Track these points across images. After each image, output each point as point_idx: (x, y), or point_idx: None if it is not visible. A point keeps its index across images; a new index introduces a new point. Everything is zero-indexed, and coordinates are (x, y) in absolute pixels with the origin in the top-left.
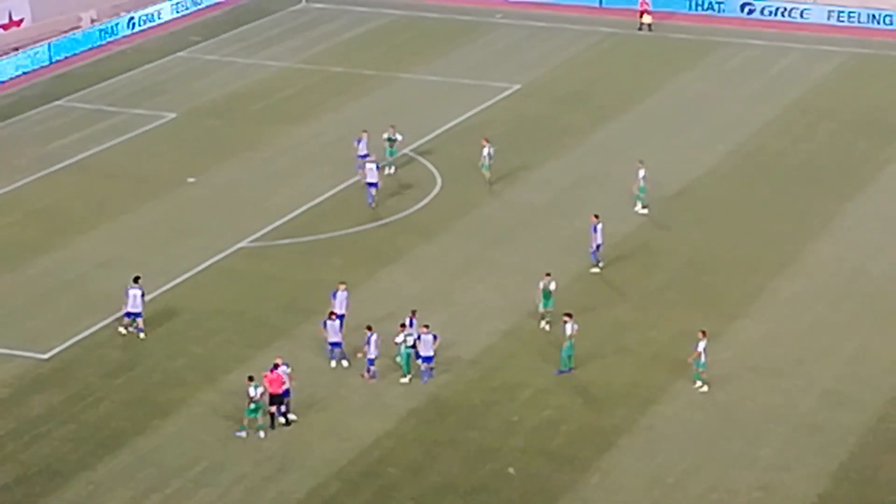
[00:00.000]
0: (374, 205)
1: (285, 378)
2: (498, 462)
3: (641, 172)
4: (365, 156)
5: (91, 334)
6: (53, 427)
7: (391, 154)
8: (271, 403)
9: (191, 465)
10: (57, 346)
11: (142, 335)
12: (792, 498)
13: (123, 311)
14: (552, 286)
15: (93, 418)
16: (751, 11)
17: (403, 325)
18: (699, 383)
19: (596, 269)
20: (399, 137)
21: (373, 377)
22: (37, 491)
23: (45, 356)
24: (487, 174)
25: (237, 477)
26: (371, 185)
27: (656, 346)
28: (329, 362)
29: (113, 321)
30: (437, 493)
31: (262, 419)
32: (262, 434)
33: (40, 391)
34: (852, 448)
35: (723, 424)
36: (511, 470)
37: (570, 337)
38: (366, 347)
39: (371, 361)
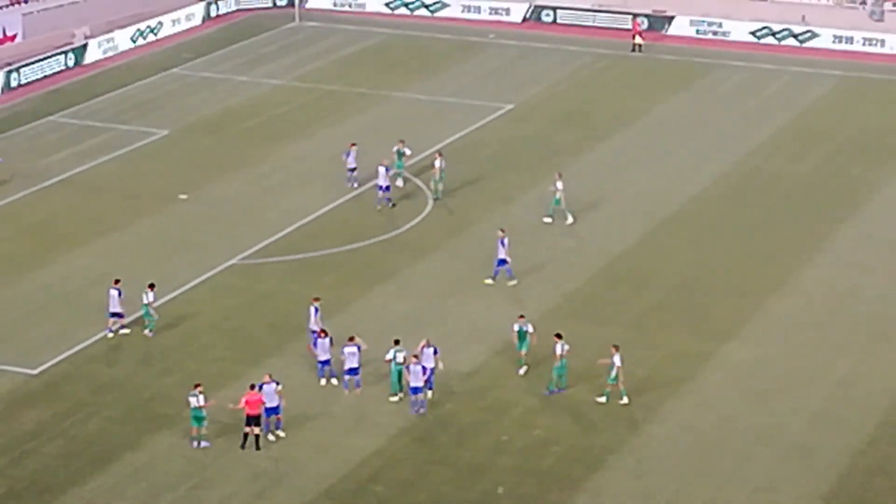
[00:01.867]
0: (380, 208)
1: (271, 396)
2: (488, 481)
3: (559, 184)
4: (353, 169)
5: (82, 349)
6: (43, 442)
7: (399, 168)
8: (248, 424)
9: (181, 482)
10: (47, 362)
11: (125, 331)
12: None
13: (107, 313)
14: (528, 328)
15: (83, 434)
16: (754, 34)
17: (397, 342)
18: (603, 398)
19: (512, 283)
20: (408, 151)
21: (356, 387)
22: None
23: (35, 371)
24: (440, 187)
25: (227, 494)
26: (381, 188)
27: (647, 366)
28: (319, 380)
29: (103, 336)
30: None
31: (205, 430)
32: (203, 444)
33: (30, 407)
34: (842, 470)
35: (713, 445)
36: (501, 489)
37: (561, 357)
38: (342, 357)
39: (355, 371)
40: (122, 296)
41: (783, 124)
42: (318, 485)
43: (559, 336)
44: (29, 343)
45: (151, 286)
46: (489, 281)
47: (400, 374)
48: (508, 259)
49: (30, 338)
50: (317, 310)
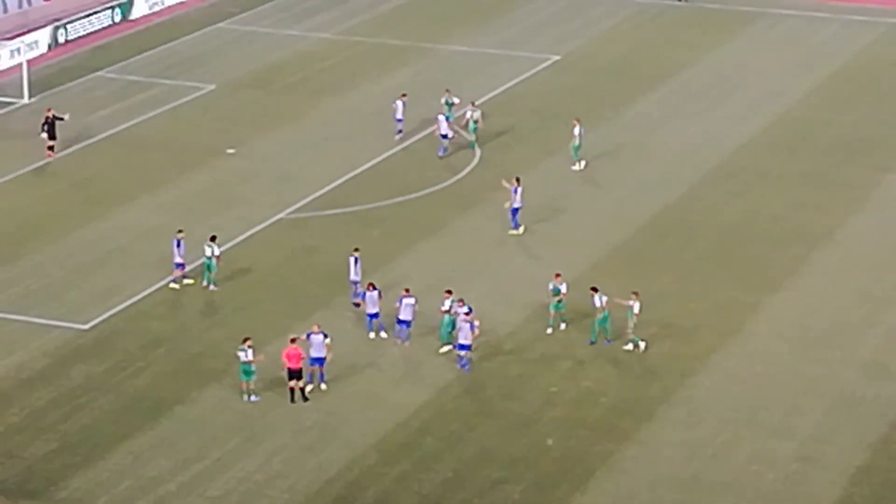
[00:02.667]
0: (447, 154)
1: (319, 347)
2: (536, 433)
3: (577, 130)
4: (401, 120)
5: (132, 304)
6: (94, 397)
7: (449, 118)
8: (290, 378)
9: (231, 436)
10: (98, 317)
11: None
12: (831, 469)
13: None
14: (563, 287)
15: (133, 388)
16: None
17: (449, 292)
18: (630, 345)
19: (516, 231)
20: (456, 100)
21: (405, 340)
22: (77, 461)
23: (86, 326)
24: (472, 137)
25: (277, 447)
26: (443, 136)
27: (696, 317)
28: (368, 333)
29: (154, 291)
30: (475, 463)
31: (253, 384)
32: (253, 398)
33: (81, 361)
34: (892, 420)
35: (762, 396)
36: (550, 441)
37: (603, 308)
38: (362, 301)
39: (407, 324)
40: (182, 246)
41: (831, 73)
42: (366, 438)
43: (595, 289)
44: (79, 299)
45: (213, 238)
46: (513, 231)
47: (453, 324)
48: (521, 206)
49: (80, 293)
50: (357, 260)
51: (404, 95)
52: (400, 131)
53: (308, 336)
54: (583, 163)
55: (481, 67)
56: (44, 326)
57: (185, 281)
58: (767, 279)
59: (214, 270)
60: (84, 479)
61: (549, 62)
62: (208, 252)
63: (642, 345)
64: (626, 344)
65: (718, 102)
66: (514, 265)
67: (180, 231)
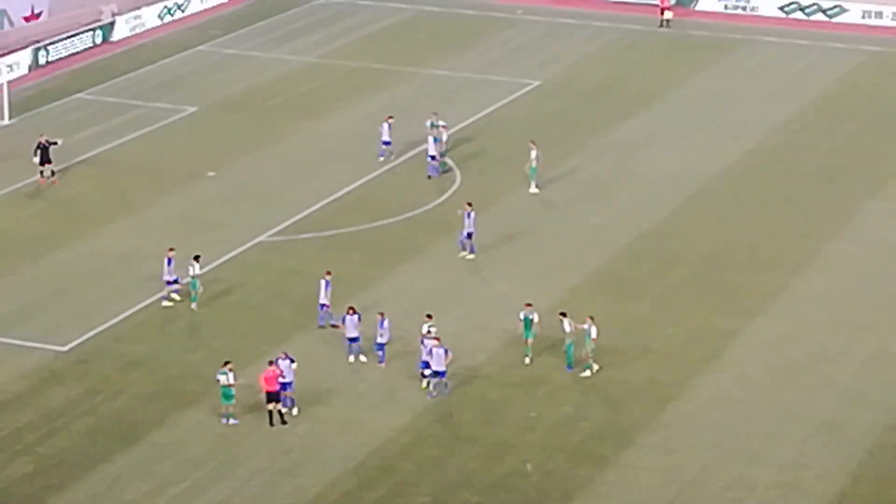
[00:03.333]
0: (437, 175)
1: (285, 372)
2: (516, 458)
3: (534, 153)
4: (387, 142)
5: (110, 327)
6: (72, 419)
7: (436, 140)
8: (268, 401)
9: (208, 459)
10: (76, 339)
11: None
12: (810, 496)
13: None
14: (533, 316)
15: (111, 411)
16: (783, 8)
17: (430, 316)
18: (587, 372)
19: (470, 256)
20: (442, 123)
21: (380, 362)
22: (55, 483)
23: (65, 348)
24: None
25: (254, 470)
26: (432, 157)
27: (675, 343)
28: (347, 357)
29: (133, 313)
30: (454, 488)
31: (232, 407)
32: (231, 421)
33: (59, 384)
34: (870, 447)
35: (741, 422)
36: (529, 466)
37: (571, 334)
38: (341, 325)
39: (381, 346)
40: (173, 264)
41: (811, 100)
42: (345, 462)
43: (563, 315)
44: (58, 320)
45: (197, 258)
46: (468, 256)
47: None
48: (474, 232)
49: (59, 315)
50: (328, 283)
51: (390, 118)
52: (384, 153)
53: (276, 361)
54: (537, 187)
55: (462, 91)
56: (21, 348)
57: (173, 296)
58: (746, 305)
59: (198, 290)
60: (61, 502)
61: (529, 87)
62: (191, 272)
63: (595, 367)
64: (584, 371)
65: (698, 129)
66: (494, 289)
67: (171, 249)
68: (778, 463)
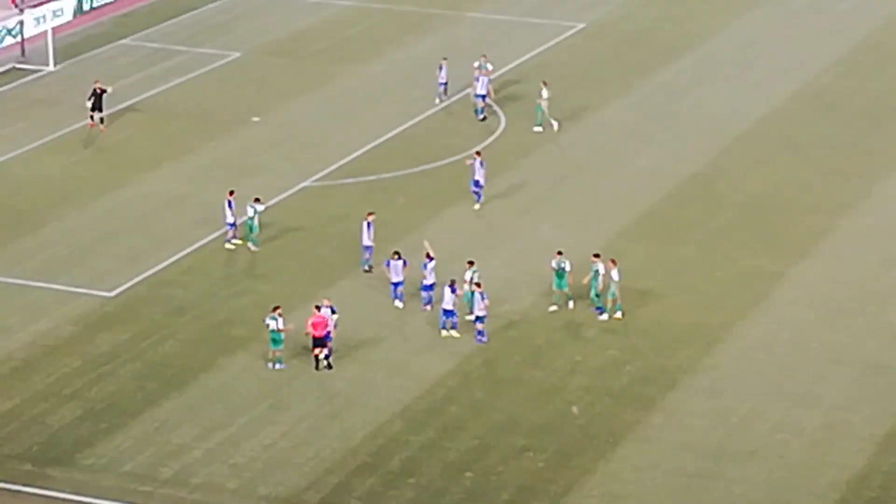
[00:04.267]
0: (482, 117)
1: (329, 321)
2: (562, 401)
3: (545, 93)
4: (444, 83)
5: (157, 272)
6: (119, 365)
7: (487, 80)
8: (314, 346)
9: (256, 403)
10: (123, 284)
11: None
12: (856, 437)
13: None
14: (565, 265)
15: (158, 356)
16: None
17: (471, 262)
18: (607, 314)
19: (476, 206)
20: (490, 66)
21: (425, 304)
22: (103, 427)
23: (111, 294)
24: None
25: (302, 414)
26: (479, 97)
27: (721, 285)
28: (392, 301)
29: (179, 258)
30: (501, 432)
31: (280, 352)
32: (279, 366)
33: (106, 329)
34: None
35: (787, 364)
36: (575, 409)
37: (603, 277)
38: (387, 269)
39: (427, 288)
40: (234, 206)
41: (859, 41)
42: (392, 405)
43: (597, 256)
44: (104, 266)
45: (257, 199)
46: (474, 206)
47: (473, 293)
48: (482, 182)
49: (105, 261)
50: (370, 225)
51: (445, 59)
52: (440, 94)
53: (320, 308)
54: (544, 127)
55: (507, 35)
56: (69, 294)
57: (235, 241)
58: (792, 247)
59: (256, 231)
60: (109, 446)
61: (574, 30)
62: (250, 212)
63: (604, 316)
64: (615, 313)
65: (743, 71)
66: (540, 231)
67: (231, 192)
68: (825, 405)
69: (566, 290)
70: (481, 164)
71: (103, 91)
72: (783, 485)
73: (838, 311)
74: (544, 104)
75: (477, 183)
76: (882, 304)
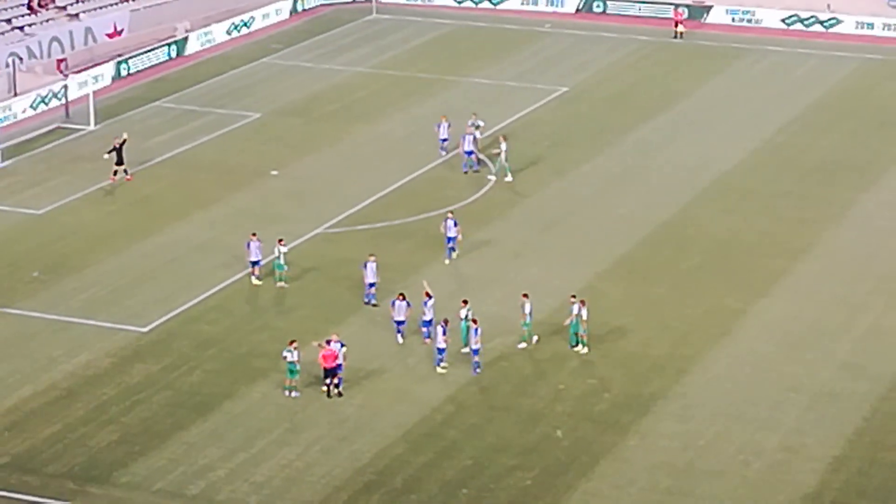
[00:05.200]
0: (466, 171)
1: (339, 354)
2: (547, 425)
3: (503, 146)
4: (444, 139)
5: (186, 310)
6: (152, 393)
7: (475, 138)
8: (325, 376)
9: (273, 427)
10: (156, 321)
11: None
12: (811, 459)
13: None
14: (526, 308)
15: (187, 385)
16: (784, 20)
17: (465, 301)
18: (579, 346)
19: (447, 262)
20: (481, 123)
21: (426, 338)
22: (137, 450)
23: (145, 329)
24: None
25: (314, 438)
26: (467, 153)
27: (690, 321)
28: (396, 337)
29: (205, 298)
30: (493, 453)
31: (295, 381)
32: (294, 394)
33: (140, 361)
34: (866, 414)
35: (749, 392)
36: (559, 433)
37: (575, 316)
38: (391, 308)
39: (426, 324)
40: (254, 247)
41: (812, 102)
42: (395, 429)
43: (573, 296)
44: (140, 304)
45: (280, 241)
46: (445, 260)
47: (467, 329)
48: (456, 237)
49: (140, 299)
50: (368, 264)
51: (445, 117)
52: (444, 149)
53: (329, 342)
54: (497, 176)
55: (500, 97)
56: (108, 329)
57: (254, 279)
58: (754, 287)
59: (283, 269)
60: (143, 466)
61: (558, 93)
62: (276, 253)
63: (585, 349)
64: (583, 348)
65: (710, 129)
66: (529, 274)
67: (254, 234)
68: (783, 429)
69: (527, 329)
70: (455, 223)
71: (121, 144)
72: (746, 501)
73: (795, 345)
74: (503, 156)
75: (450, 240)
76: (834, 339)
